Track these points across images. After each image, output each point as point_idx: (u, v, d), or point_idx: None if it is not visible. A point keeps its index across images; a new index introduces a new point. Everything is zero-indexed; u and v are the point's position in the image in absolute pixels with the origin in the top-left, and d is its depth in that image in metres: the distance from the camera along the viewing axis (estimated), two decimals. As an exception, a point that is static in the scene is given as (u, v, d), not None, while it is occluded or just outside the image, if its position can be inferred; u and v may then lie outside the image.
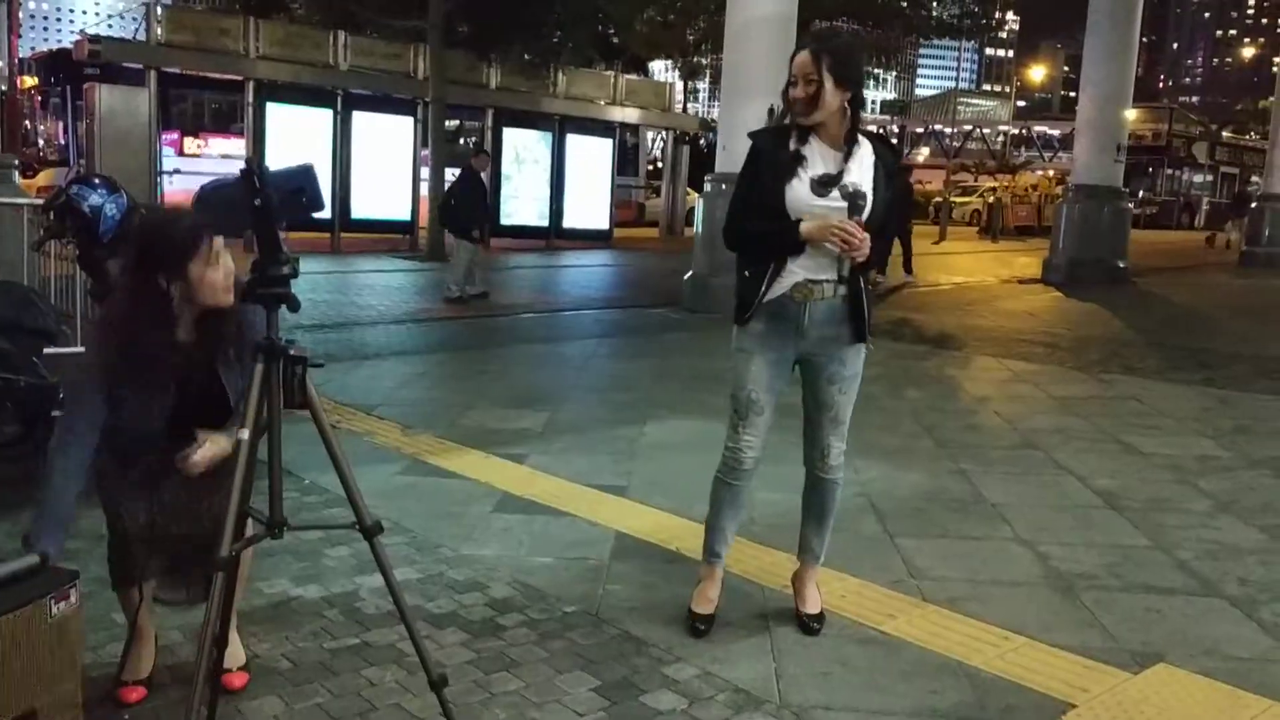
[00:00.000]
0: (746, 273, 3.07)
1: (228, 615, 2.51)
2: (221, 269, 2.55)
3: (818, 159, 2.98)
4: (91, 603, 2.90)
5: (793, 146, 3.00)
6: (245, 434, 2.26)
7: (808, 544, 3.32)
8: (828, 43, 2.98)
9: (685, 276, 11.29)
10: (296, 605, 3.30)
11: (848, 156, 2.98)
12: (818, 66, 2.90)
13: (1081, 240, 16.12)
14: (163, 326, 2.55)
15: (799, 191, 2.96)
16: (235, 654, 2.76)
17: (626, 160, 24.62)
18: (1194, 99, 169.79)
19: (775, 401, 3.14)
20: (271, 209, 2.30)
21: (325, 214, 17.04)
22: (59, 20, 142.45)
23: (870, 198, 2.95)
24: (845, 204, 2.92)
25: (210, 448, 2.53)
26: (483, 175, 11.59)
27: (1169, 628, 3.36)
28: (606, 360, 8.34)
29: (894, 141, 3.14)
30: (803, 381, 3.18)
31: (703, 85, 51.71)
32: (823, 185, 2.95)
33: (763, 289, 3.01)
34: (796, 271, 3.00)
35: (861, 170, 2.99)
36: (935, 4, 24.82)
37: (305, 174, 2.39)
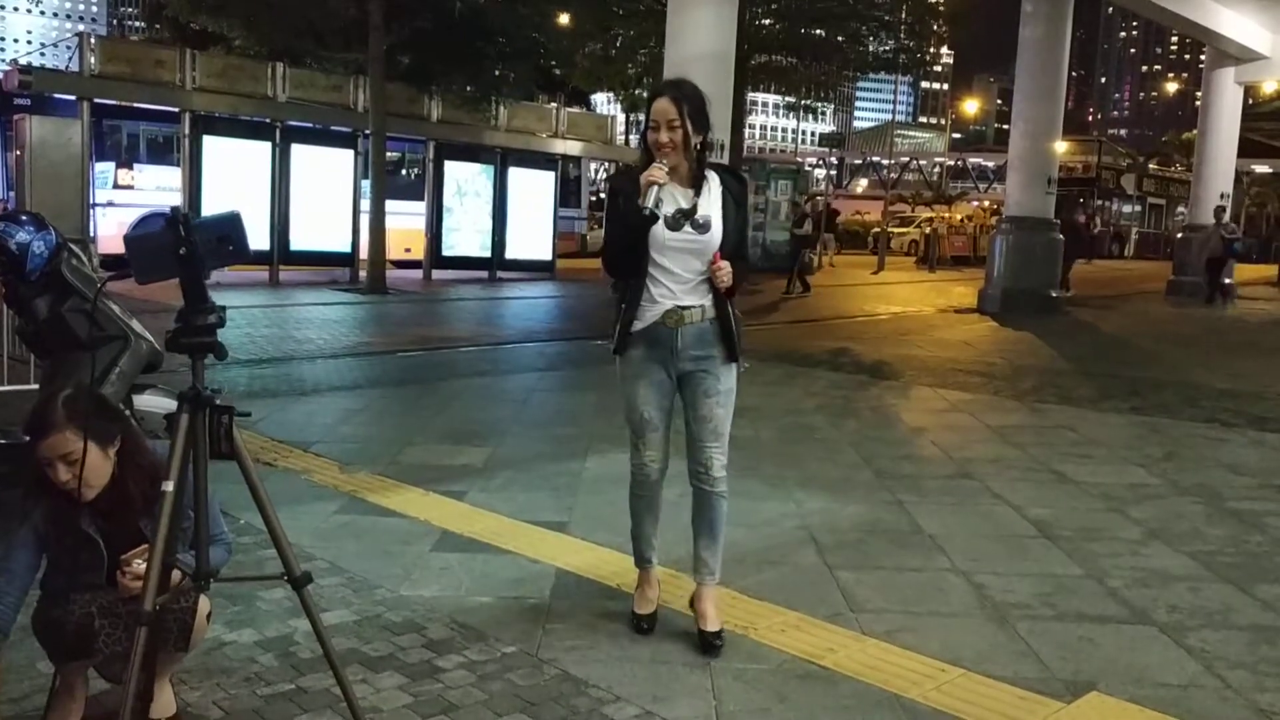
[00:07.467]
0: (624, 304, 3.38)
1: (152, 669, 2.46)
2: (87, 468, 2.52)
3: (670, 198, 3.28)
4: (14, 651, 2.82)
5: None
6: (170, 486, 2.22)
7: (702, 562, 3.45)
8: (683, 90, 3.27)
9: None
10: (229, 651, 3.23)
11: (698, 193, 3.31)
12: (680, 112, 3.22)
13: (1015, 270, 16.47)
14: (68, 509, 2.57)
15: (656, 229, 3.26)
16: (165, 703, 2.69)
17: (569, 192, 24.64)
18: (1122, 131, 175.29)
19: (667, 419, 3.45)
20: (197, 257, 2.27)
21: (264, 246, 16.68)
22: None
23: (721, 225, 3.30)
24: (697, 233, 3.28)
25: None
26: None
27: (1101, 656, 3.42)
28: (548, 394, 8.32)
29: (744, 172, 3.77)
30: (682, 400, 3.45)
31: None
32: (677, 221, 3.27)
33: (634, 317, 3.34)
34: (665, 300, 3.33)
35: (710, 202, 3.33)
36: (872, 40, 25.28)
37: (232, 222, 2.36)
